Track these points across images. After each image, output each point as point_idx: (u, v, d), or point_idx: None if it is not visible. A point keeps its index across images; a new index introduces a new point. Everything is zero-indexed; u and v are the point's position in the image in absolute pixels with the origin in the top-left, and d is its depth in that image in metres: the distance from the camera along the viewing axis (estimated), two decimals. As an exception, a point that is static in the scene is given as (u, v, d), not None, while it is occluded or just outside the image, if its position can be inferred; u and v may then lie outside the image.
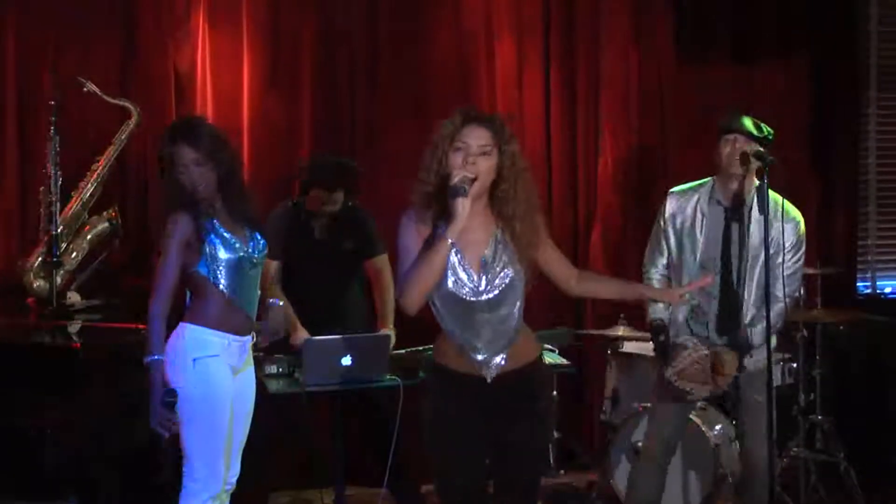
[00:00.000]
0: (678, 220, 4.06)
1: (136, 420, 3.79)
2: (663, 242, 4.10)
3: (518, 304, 3.24)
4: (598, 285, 3.60)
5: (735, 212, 4.00)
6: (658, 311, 4.07)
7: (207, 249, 3.50)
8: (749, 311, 3.97)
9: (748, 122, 3.97)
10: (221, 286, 3.53)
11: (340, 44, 5.55)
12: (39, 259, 4.78)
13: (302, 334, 4.36)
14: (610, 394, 5.15)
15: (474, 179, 3.11)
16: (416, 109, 5.54)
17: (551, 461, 5.46)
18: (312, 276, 4.62)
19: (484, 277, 3.19)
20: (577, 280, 3.39)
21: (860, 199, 6.21)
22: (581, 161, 5.88)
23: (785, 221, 3.96)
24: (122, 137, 4.92)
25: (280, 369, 4.26)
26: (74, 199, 4.85)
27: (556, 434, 5.42)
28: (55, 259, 4.71)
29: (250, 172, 5.26)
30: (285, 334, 3.96)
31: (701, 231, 4.01)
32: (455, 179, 3.09)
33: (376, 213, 4.80)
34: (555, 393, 5.14)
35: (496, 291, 3.19)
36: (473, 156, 3.11)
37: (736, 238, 3.99)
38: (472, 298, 3.18)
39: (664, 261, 4.12)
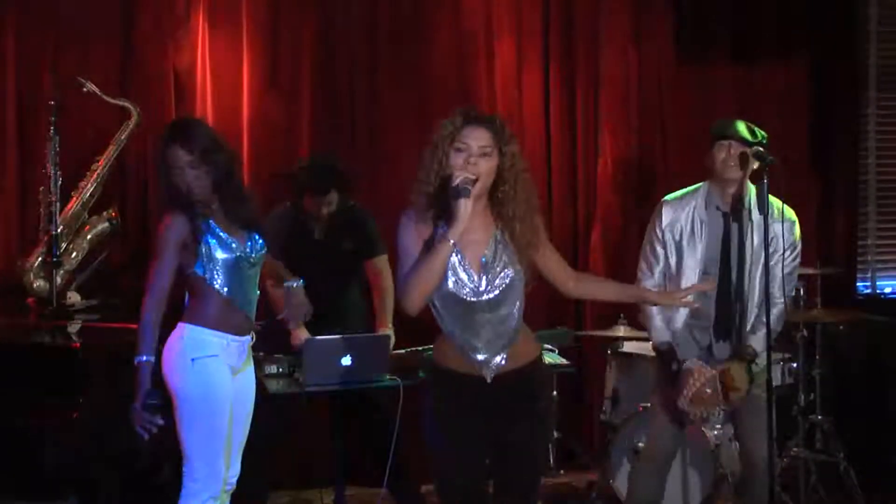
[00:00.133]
0: (676, 229, 4.02)
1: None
2: (658, 250, 4.03)
3: (518, 304, 3.24)
4: (596, 288, 3.61)
5: (734, 215, 3.99)
6: (661, 332, 4.01)
7: (204, 250, 3.50)
8: (751, 312, 3.97)
9: (742, 127, 3.96)
10: (218, 286, 3.53)
11: (340, 44, 5.55)
12: (39, 259, 4.78)
13: (302, 334, 4.36)
14: (610, 394, 5.14)
15: (475, 180, 3.11)
16: (416, 109, 5.54)
17: (551, 461, 5.47)
18: (312, 276, 4.58)
19: (484, 278, 3.19)
20: (576, 282, 3.39)
21: (860, 199, 6.21)
22: (581, 161, 5.88)
23: (783, 222, 3.96)
24: (122, 137, 4.92)
25: (280, 369, 4.26)
26: (74, 199, 4.85)
27: (556, 434, 5.43)
28: (55, 259, 4.70)
29: (250, 172, 5.30)
30: (310, 314, 3.90)
31: (701, 237, 3.98)
32: (457, 180, 3.08)
33: (376, 213, 4.80)
34: (555, 393, 5.15)
35: (496, 292, 3.19)
36: (474, 157, 3.11)
37: (735, 241, 3.98)
38: (472, 299, 3.18)
39: (659, 269, 4.06)
